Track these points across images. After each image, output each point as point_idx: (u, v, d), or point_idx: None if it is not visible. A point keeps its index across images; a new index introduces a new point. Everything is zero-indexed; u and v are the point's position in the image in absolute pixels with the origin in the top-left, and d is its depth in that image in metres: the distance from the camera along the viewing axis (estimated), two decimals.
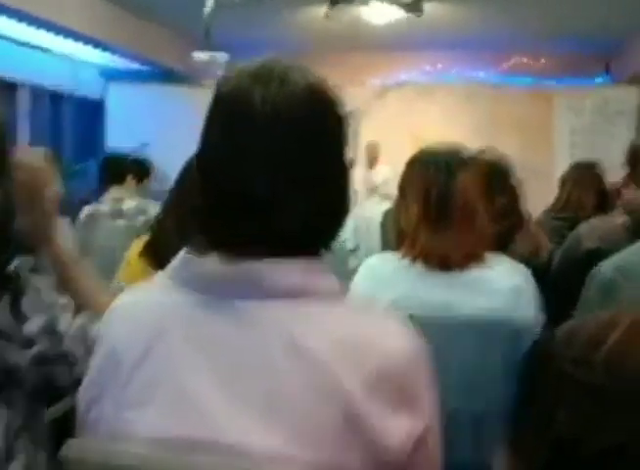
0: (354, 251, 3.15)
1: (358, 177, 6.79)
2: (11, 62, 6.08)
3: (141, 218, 3.47)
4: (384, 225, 4.17)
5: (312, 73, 0.86)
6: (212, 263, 0.78)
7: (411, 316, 1.47)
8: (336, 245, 2.77)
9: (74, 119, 7.23)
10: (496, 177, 2.44)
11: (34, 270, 0.97)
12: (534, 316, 1.55)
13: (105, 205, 3.52)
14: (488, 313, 1.50)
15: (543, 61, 7.43)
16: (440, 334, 1.52)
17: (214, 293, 0.78)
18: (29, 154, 1.21)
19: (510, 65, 7.51)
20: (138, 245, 1.95)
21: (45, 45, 6.23)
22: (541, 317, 1.59)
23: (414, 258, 1.55)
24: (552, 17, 6.20)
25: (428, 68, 7.69)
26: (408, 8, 5.46)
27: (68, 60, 6.85)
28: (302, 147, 0.80)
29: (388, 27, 6.32)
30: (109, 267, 3.51)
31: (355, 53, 7.62)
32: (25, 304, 0.90)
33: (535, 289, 1.58)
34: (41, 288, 0.94)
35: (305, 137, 0.81)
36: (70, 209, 5.77)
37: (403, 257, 1.57)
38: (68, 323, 0.93)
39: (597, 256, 2.27)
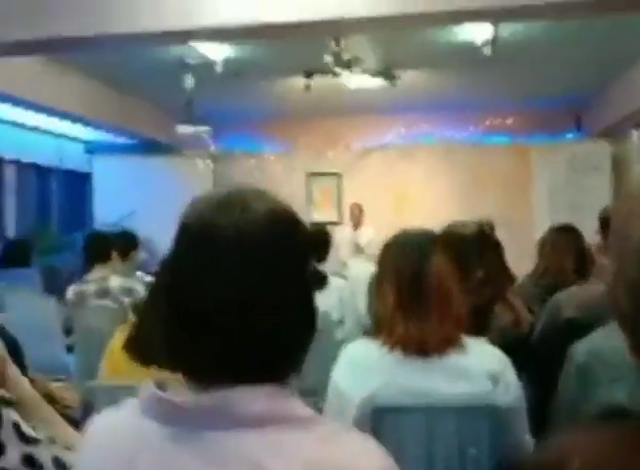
0: (340, 322, 3.16)
1: (343, 237, 6.89)
2: None
3: (127, 299, 3.48)
4: (371, 289, 4.21)
5: (274, 199, 0.90)
6: (179, 395, 0.80)
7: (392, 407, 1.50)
8: (321, 316, 2.77)
9: (61, 193, 7.30)
10: (472, 250, 2.49)
11: (8, 403, 0.98)
12: (512, 400, 1.56)
13: (90, 284, 3.53)
14: (467, 399, 1.51)
15: (518, 119, 7.65)
16: (422, 420, 1.54)
17: (183, 425, 0.79)
18: None
19: (486, 124, 7.72)
20: (122, 334, 1.96)
21: (30, 123, 6.35)
22: (520, 400, 1.60)
23: (392, 346, 1.57)
24: (524, 78, 6.43)
25: (408, 130, 7.89)
26: (382, 76, 5.63)
27: (53, 135, 6.98)
28: (265, 269, 0.83)
29: (368, 93, 6.52)
30: (96, 348, 3.50)
31: (336, 118, 7.82)
32: (2, 436, 0.91)
33: (513, 372, 1.60)
34: (16, 419, 0.95)
35: (267, 260, 0.84)
36: (57, 284, 5.78)
37: (382, 344, 1.59)
38: (46, 455, 0.94)
39: (577, 325, 2.30)
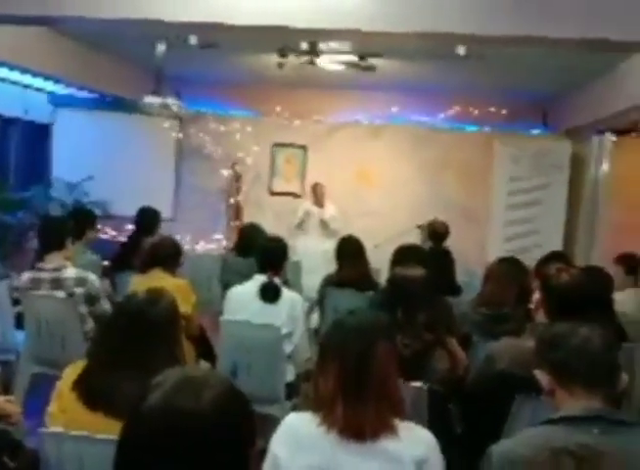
0: (289, 335, 3.27)
1: (308, 213, 7.01)
2: None
3: (80, 289, 3.50)
4: (322, 288, 4.33)
5: (224, 385, 0.98)
6: None
7: None
8: (270, 330, 2.86)
9: (21, 145, 7.10)
10: (417, 294, 2.61)
11: None
12: None
13: (45, 273, 3.54)
14: None
15: (485, 108, 7.70)
16: None
17: None
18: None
19: (454, 111, 7.76)
20: (72, 374, 2.01)
21: None
22: None
23: (329, 427, 1.68)
24: (495, 72, 6.46)
25: (376, 109, 7.87)
26: (356, 68, 5.60)
27: (15, 85, 6.74)
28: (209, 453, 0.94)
29: (340, 72, 6.47)
30: (46, 336, 3.54)
31: (306, 90, 7.74)
32: None
33: (439, 456, 1.72)
34: None
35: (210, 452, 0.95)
36: (9, 242, 5.70)
37: (320, 422, 1.69)
38: None
39: (508, 376, 2.47)
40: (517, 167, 7.61)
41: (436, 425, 2.29)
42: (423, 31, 3.50)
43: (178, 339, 2.02)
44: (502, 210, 7.72)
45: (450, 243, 5.49)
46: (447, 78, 6.82)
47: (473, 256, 6.95)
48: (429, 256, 4.75)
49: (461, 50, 5.28)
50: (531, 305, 3.10)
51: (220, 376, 1.03)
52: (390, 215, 7.79)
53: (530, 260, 3.82)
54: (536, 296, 2.66)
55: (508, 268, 3.35)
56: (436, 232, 5.32)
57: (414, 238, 6.09)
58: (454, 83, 7.08)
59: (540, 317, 2.57)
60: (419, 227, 6.41)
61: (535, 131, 7.85)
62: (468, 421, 2.58)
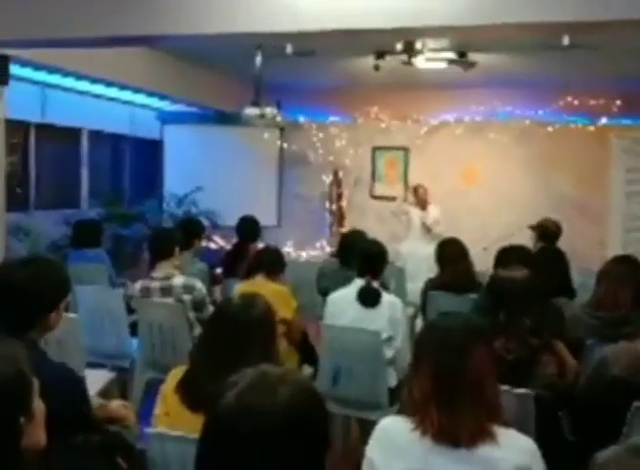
0: (389, 340, 3.22)
1: (413, 217, 6.89)
2: (74, 110, 6.41)
3: (187, 296, 3.64)
4: (424, 293, 4.25)
5: (299, 384, 0.97)
6: None
7: None
8: (371, 336, 2.82)
9: (132, 160, 7.53)
10: (521, 297, 2.48)
11: None
12: None
13: (155, 281, 3.71)
14: None
15: (599, 99, 7.28)
16: None
17: None
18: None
19: (565, 103, 7.39)
20: (175, 377, 2.08)
21: (106, 94, 6.52)
22: None
23: (423, 432, 1.62)
24: (606, 61, 6.09)
25: (479, 106, 7.65)
26: (455, 63, 5.47)
27: (124, 103, 7.16)
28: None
29: (438, 70, 6.34)
30: (158, 341, 3.71)
31: (405, 91, 7.67)
32: None
33: (541, 465, 1.62)
34: None
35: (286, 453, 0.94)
36: (126, 253, 6.03)
37: (415, 428, 1.64)
38: None
39: (622, 382, 2.30)
40: (634, 159, 7.14)
41: (545, 433, 2.17)
42: (521, 22, 3.35)
43: (274, 342, 2.04)
44: (621, 204, 7.28)
45: (564, 241, 5.21)
46: (552, 70, 6.51)
47: (590, 254, 6.56)
48: (539, 257, 4.54)
49: (565, 39, 5.02)
50: None
51: (297, 375, 1.02)
52: (499, 215, 7.54)
53: None
54: None
55: (623, 268, 3.11)
56: (547, 232, 5.08)
57: (526, 239, 5.83)
58: (561, 75, 6.75)
59: None
60: (531, 228, 6.13)
61: None
62: (580, 429, 2.42)
